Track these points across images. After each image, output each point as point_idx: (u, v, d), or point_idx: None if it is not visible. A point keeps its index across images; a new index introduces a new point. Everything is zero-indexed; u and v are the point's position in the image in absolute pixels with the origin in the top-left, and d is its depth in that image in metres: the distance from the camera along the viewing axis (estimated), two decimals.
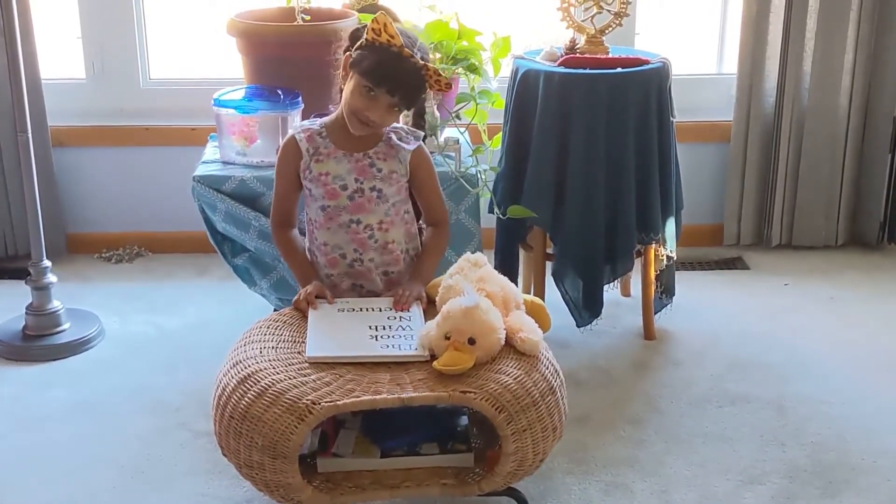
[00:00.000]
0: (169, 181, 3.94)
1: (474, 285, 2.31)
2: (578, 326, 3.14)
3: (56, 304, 3.30)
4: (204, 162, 3.17)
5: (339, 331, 2.31)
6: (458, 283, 2.33)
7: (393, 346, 2.26)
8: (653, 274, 3.21)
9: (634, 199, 3.05)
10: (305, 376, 2.15)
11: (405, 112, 2.67)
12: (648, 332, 3.26)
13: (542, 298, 3.21)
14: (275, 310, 3.26)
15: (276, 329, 2.37)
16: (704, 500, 2.45)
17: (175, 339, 3.31)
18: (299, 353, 2.25)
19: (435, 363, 2.16)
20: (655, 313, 3.27)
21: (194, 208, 3.10)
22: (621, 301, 3.49)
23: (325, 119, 2.52)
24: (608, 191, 3.03)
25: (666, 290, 3.30)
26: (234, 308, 3.51)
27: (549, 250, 3.21)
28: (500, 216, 3.00)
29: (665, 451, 2.65)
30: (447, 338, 2.19)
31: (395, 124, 2.55)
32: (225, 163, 3.15)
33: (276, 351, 2.26)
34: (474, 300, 2.19)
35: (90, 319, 3.35)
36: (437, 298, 2.39)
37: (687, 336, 3.28)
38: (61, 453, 2.67)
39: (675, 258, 3.24)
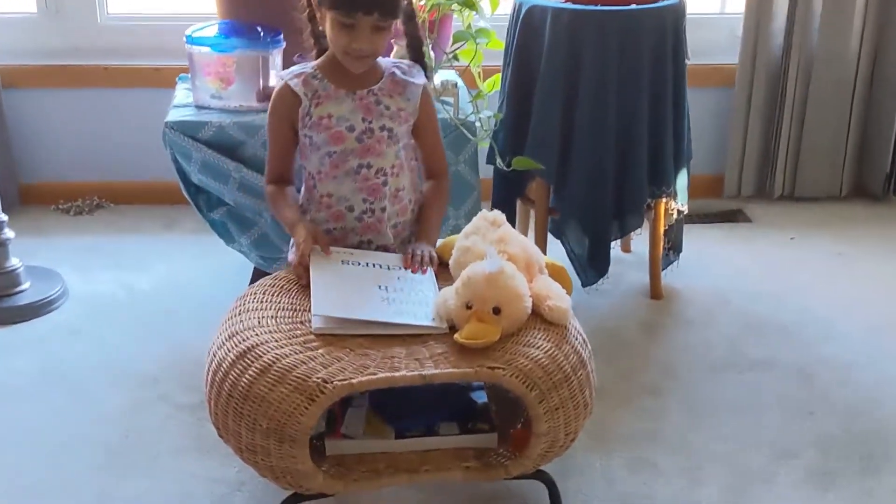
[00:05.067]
0: (131, 126, 3.66)
1: (494, 247, 2.08)
2: (584, 286, 2.94)
3: (14, 261, 3.01)
4: (176, 106, 2.89)
5: (347, 289, 2.07)
6: (477, 245, 2.10)
7: (407, 312, 2.03)
8: (662, 230, 3.01)
9: (647, 149, 2.84)
10: (313, 350, 1.91)
11: (399, 43, 2.42)
12: (655, 291, 3.06)
13: (545, 249, 3.01)
14: (255, 268, 3.03)
15: (272, 295, 2.12)
16: (736, 477, 2.27)
17: (146, 302, 3.04)
18: (302, 323, 2.01)
19: (457, 335, 1.93)
20: (662, 270, 3.08)
21: (159, 156, 2.84)
22: (622, 258, 3.28)
23: (318, 61, 2.26)
24: (619, 140, 2.81)
25: (673, 246, 3.11)
26: (209, 265, 3.25)
27: (551, 204, 2.99)
28: (504, 168, 2.76)
29: (689, 423, 2.46)
30: (468, 307, 1.96)
31: (395, 59, 2.32)
32: (199, 107, 2.88)
33: (276, 321, 2.02)
34: (498, 264, 1.97)
35: (52, 278, 3.08)
36: (450, 261, 2.17)
37: (695, 295, 3.09)
38: (32, 432, 2.41)
39: (685, 212, 3.04)
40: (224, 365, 1.94)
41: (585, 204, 2.87)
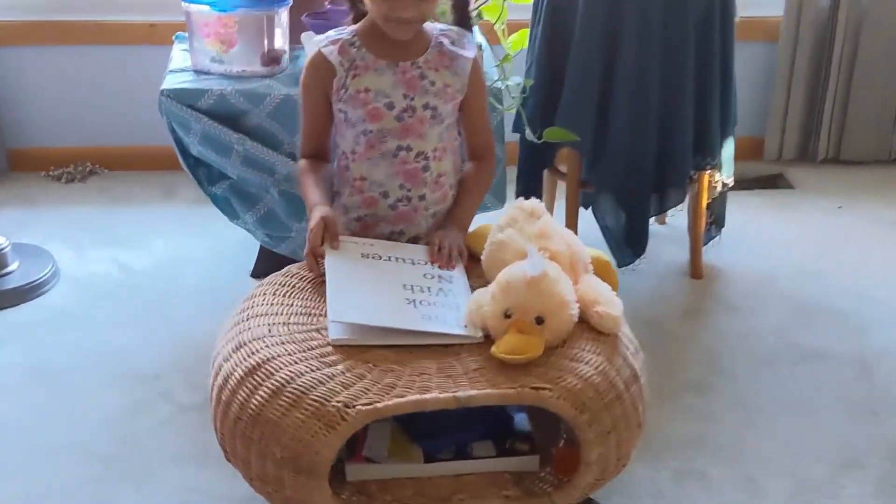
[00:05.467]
0: (125, 86, 3.41)
1: (534, 242, 1.84)
2: (619, 266, 2.70)
3: (1, 240, 2.78)
4: (172, 71, 2.63)
5: (367, 289, 1.83)
6: (514, 241, 1.86)
7: (435, 317, 1.80)
8: (704, 204, 2.76)
9: (692, 117, 2.59)
10: (331, 366, 1.68)
11: (444, 9, 2.16)
12: (696, 270, 2.82)
13: (575, 233, 2.76)
14: (261, 246, 2.80)
15: (283, 296, 1.89)
16: (799, 491, 2.05)
17: (144, 283, 2.81)
18: (318, 331, 1.78)
19: (495, 349, 1.70)
20: (703, 246, 2.84)
21: (156, 119, 2.58)
22: (657, 231, 3.02)
23: (356, 26, 1.99)
24: (662, 108, 2.56)
25: (716, 221, 2.86)
26: (211, 240, 3.01)
27: (583, 176, 2.74)
28: (534, 140, 2.51)
29: (740, 425, 2.24)
30: (507, 315, 1.72)
31: (442, 26, 2.03)
32: (198, 72, 2.62)
33: (287, 328, 1.79)
34: (540, 266, 1.73)
35: (42, 258, 2.84)
36: (483, 256, 1.93)
37: (738, 274, 2.85)
38: (16, 436, 2.19)
39: (731, 185, 2.79)
40: (231, 381, 1.71)
41: (623, 177, 2.62)
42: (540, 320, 1.72)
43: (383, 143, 1.96)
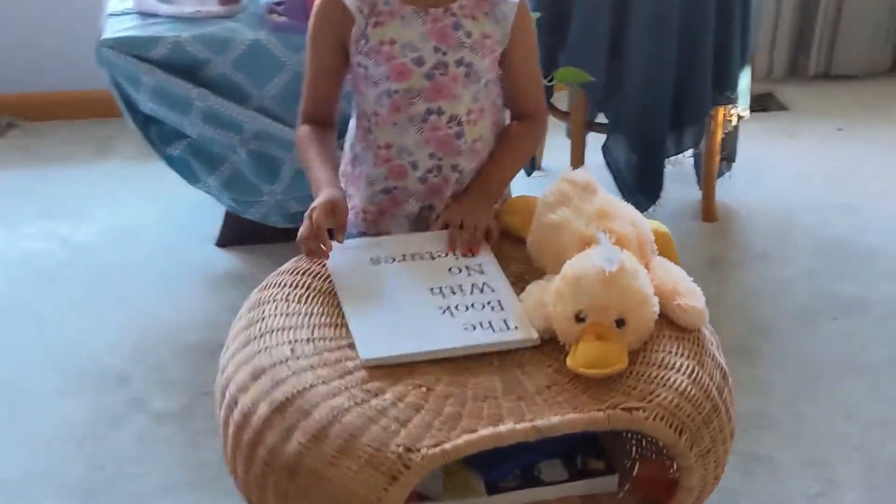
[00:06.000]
0: (49, 24, 2.96)
1: (595, 224, 1.55)
2: None
3: None
4: (112, 15, 2.24)
5: (391, 307, 1.53)
6: (571, 224, 1.56)
7: (479, 324, 1.50)
8: (719, 141, 2.50)
9: (713, 46, 2.30)
10: (378, 396, 1.37)
11: None
12: (709, 213, 2.58)
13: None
14: (227, 212, 2.45)
15: (298, 301, 1.56)
16: (874, 474, 1.84)
17: (90, 259, 2.44)
18: (350, 347, 1.46)
19: (571, 361, 1.41)
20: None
21: (84, 60, 2.20)
22: None
23: None
24: (682, 35, 2.27)
25: (727, 156, 2.61)
26: (162, 204, 2.65)
27: (588, 116, 2.45)
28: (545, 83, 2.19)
29: (795, 396, 2.02)
30: (580, 318, 1.44)
31: None
32: (143, 14, 2.24)
33: (313, 345, 1.47)
34: (617, 259, 1.44)
35: None
36: (529, 239, 1.63)
37: (752, 214, 2.62)
38: None
39: (746, 118, 2.53)
40: (255, 421, 1.39)
41: (638, 116, 2.35)
42: (620, 322, 1.44)
43: (411, 106, 1.62)
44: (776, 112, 3.16)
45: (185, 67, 2.15)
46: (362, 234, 1.74)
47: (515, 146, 1.74)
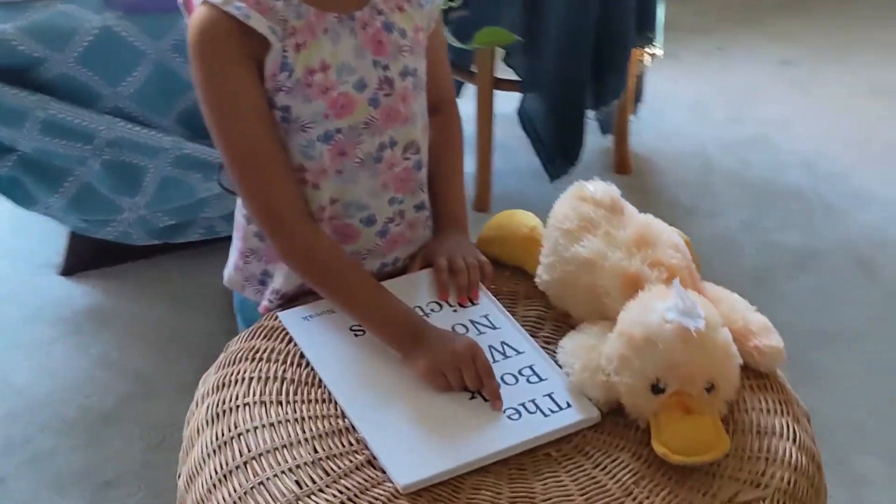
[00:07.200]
0: None
1: (638, 257, 1.25)
2: (552, 180, 2.15)
3: None
4: None
5: (407, 399, 1.18)
6: (609, 260, 1.25)
7: (524, 409, 1.17)
8: (632, 86, 2.23)
9: None
10: None
11: None
12: (623, 165, 2.32)
13: (490, 146, 2.17)
14: (72, 234, 1.97)
15: (286, 394, 1.18)
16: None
17: None
18: (370, 464, 1.12)
19: (662, 447, 1.12)
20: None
21: None
22: None
23: None
24: None
25: (635, 98, 2.35)
26: None
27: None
28: (461, 46, 1.83)
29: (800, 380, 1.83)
30: (658, 389, 1.15)
31: None
32: None
33: (323, 468, 1.10)
34: (698, 313, 1.14)
35: None
36: (542, 277, 1.31)
37: (665, 160, 2.39)
38: None
39: (661, 56, 2.26)
40: None
41: (557, 68, 2.03)
42: (710, 388, 1.16)
43: (358, 146, 1.22)
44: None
45: (13, 70, 1.65)
46: None
47: (456, 157, 1.40)
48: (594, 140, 2.35)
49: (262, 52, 1.15)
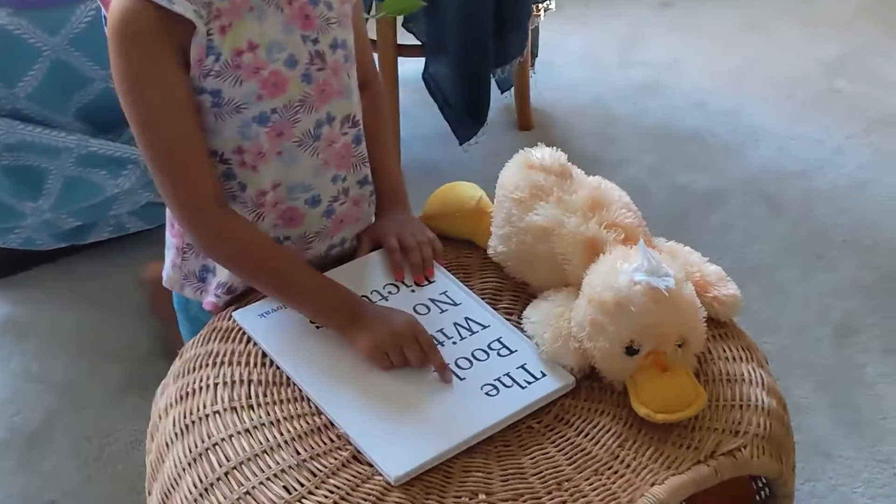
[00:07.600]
0: None
1: (594, 221, 1.25)
2: (461, 143, 2.13)
3: None
4: None
5: (381, 387, 1.16)
6: (567, 226, 1.25)
7: (501, 381, 1.18)
8: (532, 41, 2.22)
9: None
10: None
11: None
12: (525, 121, 2.32)
13: (398, 114, 2.14)
14: None
15: (256, 397, 1.15)
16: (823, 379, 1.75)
17: None
18: (356, 459, 1.09)
19: (642, 407, 1.13)
20: None
21: None
22: None
23: None
24: None
25: (531, 53, 2.34)
26: None
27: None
28: (370, 16, 1.79)
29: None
30: (632, 349, 1.16)
31: None
32: None
33: (310, 470, 1.07)
34: (667, 272, 1.16)
35: None
36: (496, 248, 1.30)
37: (563, 112, 2.39)
38: None
39: (553, 9, 2.26)
40: None
41: (460, 32, 2.00)
42: (681, 344, 1.18)
43: (295, 125, 1.19)
44: None
45: None
46: None
47: (387, 133, 1.41)
48: (493, 98, 2.34)
49: (187, 38, 1.11)
